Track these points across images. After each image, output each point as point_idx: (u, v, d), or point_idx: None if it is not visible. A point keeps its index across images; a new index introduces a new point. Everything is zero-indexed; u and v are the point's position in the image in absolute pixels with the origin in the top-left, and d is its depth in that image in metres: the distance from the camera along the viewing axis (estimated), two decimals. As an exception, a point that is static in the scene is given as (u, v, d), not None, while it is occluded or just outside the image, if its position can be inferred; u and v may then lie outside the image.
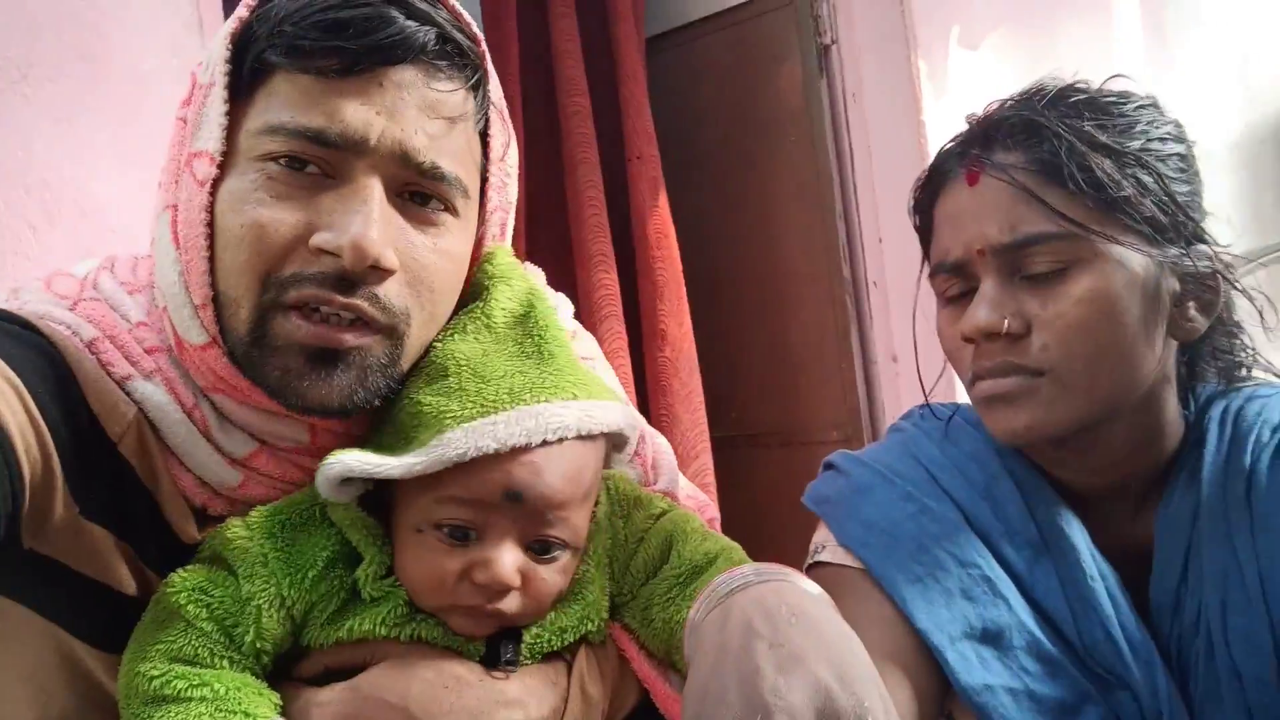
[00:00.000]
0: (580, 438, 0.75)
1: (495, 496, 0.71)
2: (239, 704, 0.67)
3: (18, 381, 0.65)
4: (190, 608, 0.70)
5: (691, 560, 0.79)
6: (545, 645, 0.76)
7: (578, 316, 2.05)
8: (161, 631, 0.70)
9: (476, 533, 0.72)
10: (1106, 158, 0.82)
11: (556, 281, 2.13)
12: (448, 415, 0.72)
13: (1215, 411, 0.89)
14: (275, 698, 0.70)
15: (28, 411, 0.65)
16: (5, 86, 1.17)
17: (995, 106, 0.90)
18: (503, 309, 0.80)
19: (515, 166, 0.86)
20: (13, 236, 1.18)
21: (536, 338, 0.78)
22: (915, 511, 0.90)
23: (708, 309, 2.21)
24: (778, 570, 0.73)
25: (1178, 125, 0.89)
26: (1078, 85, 0.89)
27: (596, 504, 0.82)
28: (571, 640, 0.77)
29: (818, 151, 2.12)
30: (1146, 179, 0.83)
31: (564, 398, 0.74)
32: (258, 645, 0.70)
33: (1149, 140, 0.85)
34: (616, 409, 0.79)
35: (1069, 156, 0.81)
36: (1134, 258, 0.83)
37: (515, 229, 2.13)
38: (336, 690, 0.71)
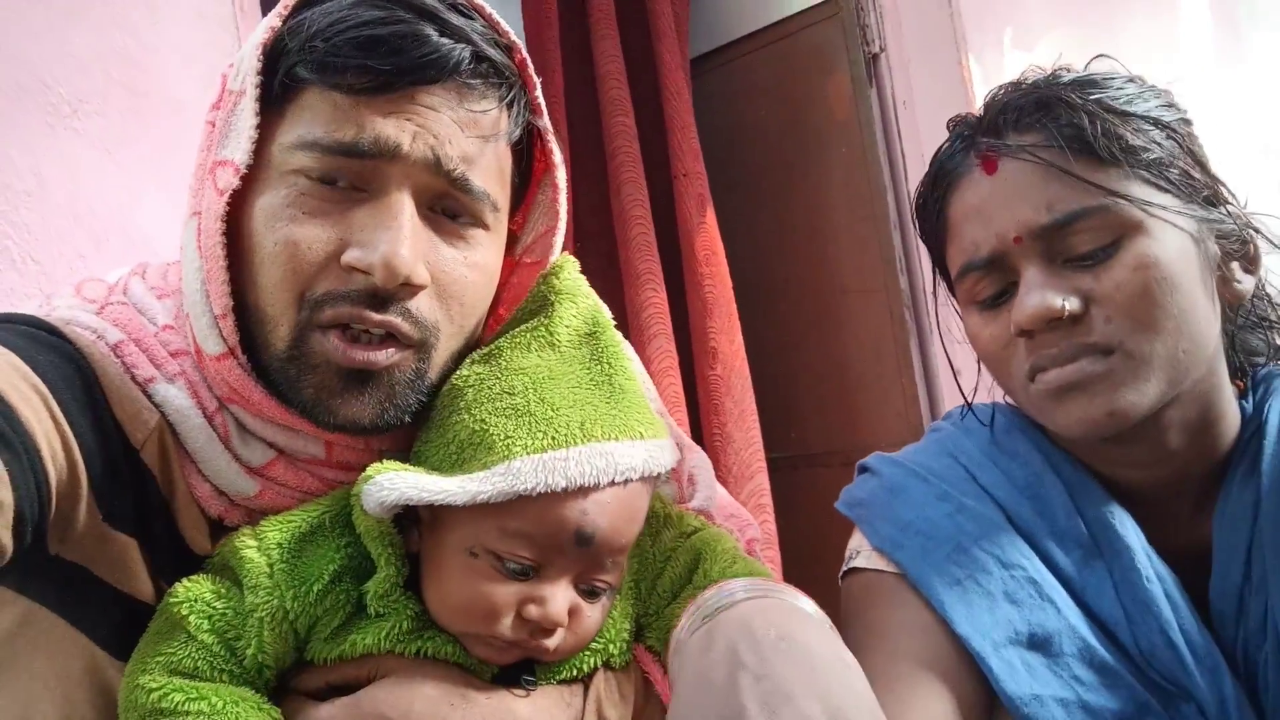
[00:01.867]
0: (642, 479, 0.73)
1: (566, 538, 0.69)
2: (236, 718, 0.66)
3: (44, 388, 0.66)
4: (192, 619, 0.69)
5: (716, 581, 0.75)
6: (563, 673, 0.74)
7: (626, 336, 2.04)
8: (162, 643, 0.69)
9: (536, 569, 0.70)
10: (1127, 123, 0.78)
11: (605, 301, 2.12)
12: (516, 444, 0.69)
13: (1275, 399, 0.82)
14: (275, 713, 0.69)
15: (54, 418, 0.65)
16: (57, 122, 1.22)
17: (988, 98, 0.87)
18: (567, 326, 0.78)
19: (565, 182, 0.86)
20: (64, 264, 1.22)
21: (606, 365, 0.76)
22: (952, 510, 0.85)
23: (762, 327, 2.17)
24: (770, 586, 0.69)
25: (1169, 94, 0.85)
26: (1064, 68, 0.86)
27: None
28: (590, 669, 0.75)
29: (869, 162, 2.07)
30: (1166, 142, 0.79)
31: (632, 437, 0.72)
32: (259, 659, 0.69)
33: (1154, 108, 0.81)
34: (670, 448, 0.77)
35: (1092, 125, 0.77)
36: (1176, 219, 0.78)
37: (563, 249, 2.13)
38: (337, 706, 0.69)
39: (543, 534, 0.69)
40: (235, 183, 0.71)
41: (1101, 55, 0.88)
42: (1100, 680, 0.76)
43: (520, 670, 0.72)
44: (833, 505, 2.23)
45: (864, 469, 0.97)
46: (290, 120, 0.72)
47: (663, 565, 0.80)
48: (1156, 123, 0.79)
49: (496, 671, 0.72)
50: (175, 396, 0.73)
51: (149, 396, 0.73)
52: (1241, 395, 0.85)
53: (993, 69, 1.95)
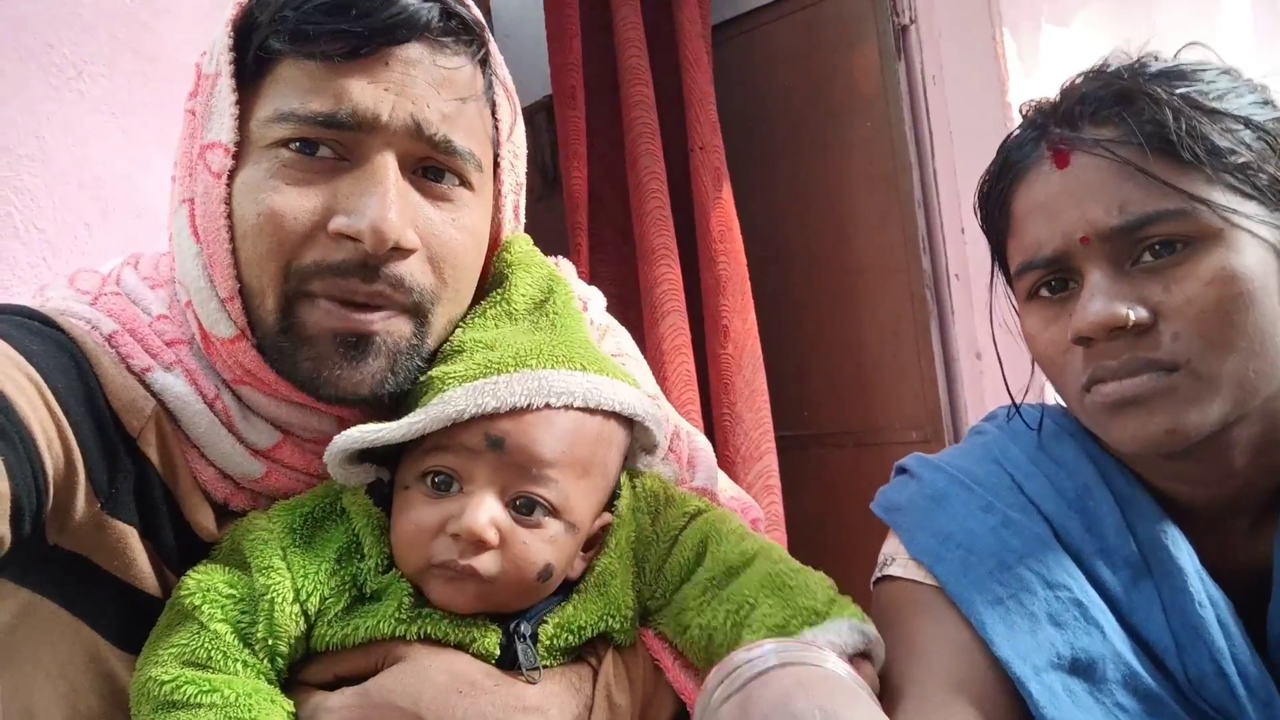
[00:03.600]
0: (585, 410, 0.72)
1: (477, 442, 0.69)
2: (249, 710, 0.65)
3: (39, 378, 0.65)
4: (205, 608, 0.68)
5: (726, 561, 0.76)
6: (564, 643, 0.72)
7: (640, 312, 2.01)
8: (174, 634, 0.69)
9: (459, 483, 0.70)
10: (1215, 123, 0.73)
11: (616, 276, 2.08)
12: (450, 377, 0.72)
13: None
14: (288, 705, 0.68)
15: (49, 407, 0.65)
16: (60, 84, 1.17)
17: (1066, 85, 0.82)
18: (522, 295, 0.79)
19: (523, 146, 0.85)
20: (69, 234, 1.18)
21: (551, 315, 0.78)
22: (997, 524, 0.81)
23: (778, 304, 2.13)
24: (802, 651, 0.65)
25: (1265, 89, 0.79)
26: (1152, 55, 0.80)
27: (617, 496, 0.79)
28: (592, 636, 0.74)
29: (895, 138, 2.02)
30: (1257, 144, 0.74)
31: (571, 368, 0.73)
32: (270, 642, 0.69)
33: (1248, 104, 0.76)
34: (630, 391, 0.76)
35: (1177, 123, 0.72)
36: (1260, 229, 0.73)
37: (576, 222, 2.10)
38: (347, 695, 0.69)
39: (458, 443, 0.70)
40: (229, 162, 0.71)
41: (1194, 43, 0.82)
42: (1144, 708, 0.73)
43: (516, 637, 0.71)
44: (843, 487, 2.22)
45: (902, 470, 0.94)
46: (266, 94, 0.72)
47: (669, 547, 0.79)
48: (1248, 122, 0.74)
49: (500, 654, 0.71)
50: (173, 384, 0.73)
51: (146, 386, 0.72)
52: None
53: (1027, 44, 1.90)
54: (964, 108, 1.92)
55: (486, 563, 0.69)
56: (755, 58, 2.26)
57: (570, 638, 0.73)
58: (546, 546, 0.71)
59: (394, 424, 0.70)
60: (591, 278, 1.98)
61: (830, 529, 2.02)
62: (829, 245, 2.17)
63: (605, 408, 0.74)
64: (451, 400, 0.70)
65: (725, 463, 1.89)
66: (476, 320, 0.78)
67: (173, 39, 1.26)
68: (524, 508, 0.71)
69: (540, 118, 2.40)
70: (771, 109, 2.25)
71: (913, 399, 2.04)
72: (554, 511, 0.72)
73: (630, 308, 1.97)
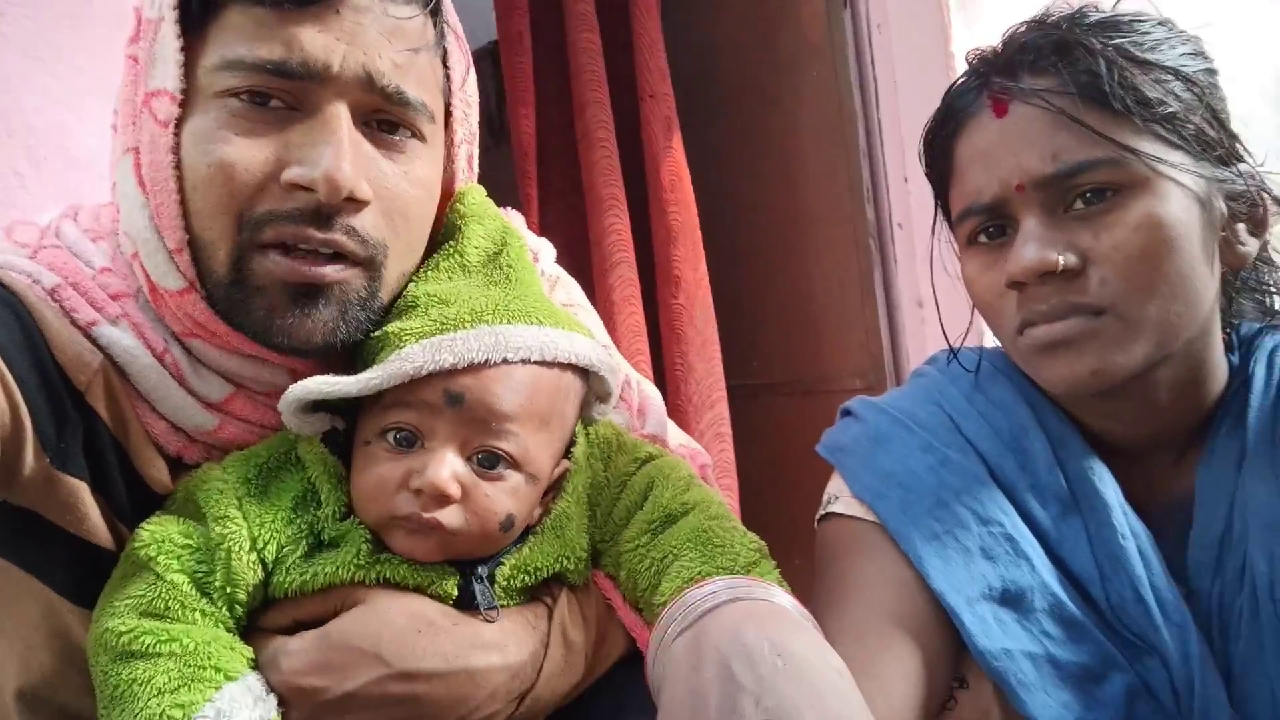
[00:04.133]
0: (542, 363, 0.73)
1: (436, 398, 0.70)
2: (209, 659, 0.66)
3: None
4: (160, 559, 0.68)
5: (666, 508, 0.77)
6: (520, 583, 0.74)
7: (589, 263, 2.00)
8: (130, 586, 0.69)
9: (420, 438, 0.71)
10: (1146, 74, 0.75)
11: (566, 226, 2.06)
12: (407, 333, 0.72)
13: (1261, 353, 0.83)
14: (248, 652, 0.69)
15: None
16: (-17, 25, 1.12)
17: (1007, 35, 0.84)
18: (475, 247, 0.79)
19: (475, 96, 0.85)
20: (0, 184, 1.14)
21: (505, 269, 0.78)
22: (935, 463, 0.85)
23: (726, 254, 2.14)
24: (751, 585, 0.68)
25: (1198, 41, 0.82)
26: (1092, 6, 0.82)
27: (573, 444, 0.80)
28: (547, 576, 0.76)
29: (841, 87, 2.02)
30: (1186, 94, 0.77)
31: (527, 322, 0.74)
32: (228, 590, 0.69)
33: (1179, 56, 0.79)
34: (585, 342, 0.77)
35: (1110, 74, 0.74)
36: (1185, 179, 0.76)
37: (525, 171, 2.06)
38: (306, 638, 0.69)
39: (418, 399, 0.70)
40: (176, 111, 0.70)
41: None
42: (1069, 635, 0.78)
43: (473, 578, 0.73)
44: (790, 434, 2.26)
45: (847, 412, 0.97)
46: (214, 41, 0.70)
47: (619, 491, 0.80)
48: (1177, 73, 0.77)
49: (456, 594, 0.72)
50: (120, 338, 0.72)
51: (92, 340, 0.71)
52: (1228, 349, 0.85)
53: (970, -6, 1.90)
54: (908, 57, 1.92)
55: (450, 516, 0.70)
56: (702, 5, 2.24)
57: (526, 579, 0.74)
58: (508, 498, 0.73)
59: (351, 378, 0.71)
60: (541, 228, 1.97)
61: (778, 475, 2.07)
62: (777, 195, 2.18)
63: (562, 360, 0.75)
64: (409, 357, 0.70)
65: (677, 412, 1.91)
66: (429, 273, 0.78)
67: (102, -22, 1.21)
68: (485, 461, 0.72)
69: (485, 64, 2.35)
70: (720, 57, 2.24)
71: (857, 347, 2.08)
72: (515, 464, 0.73)
73: (580, 258, 1.96)
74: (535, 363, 0.73)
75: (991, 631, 0.78)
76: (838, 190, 2.06)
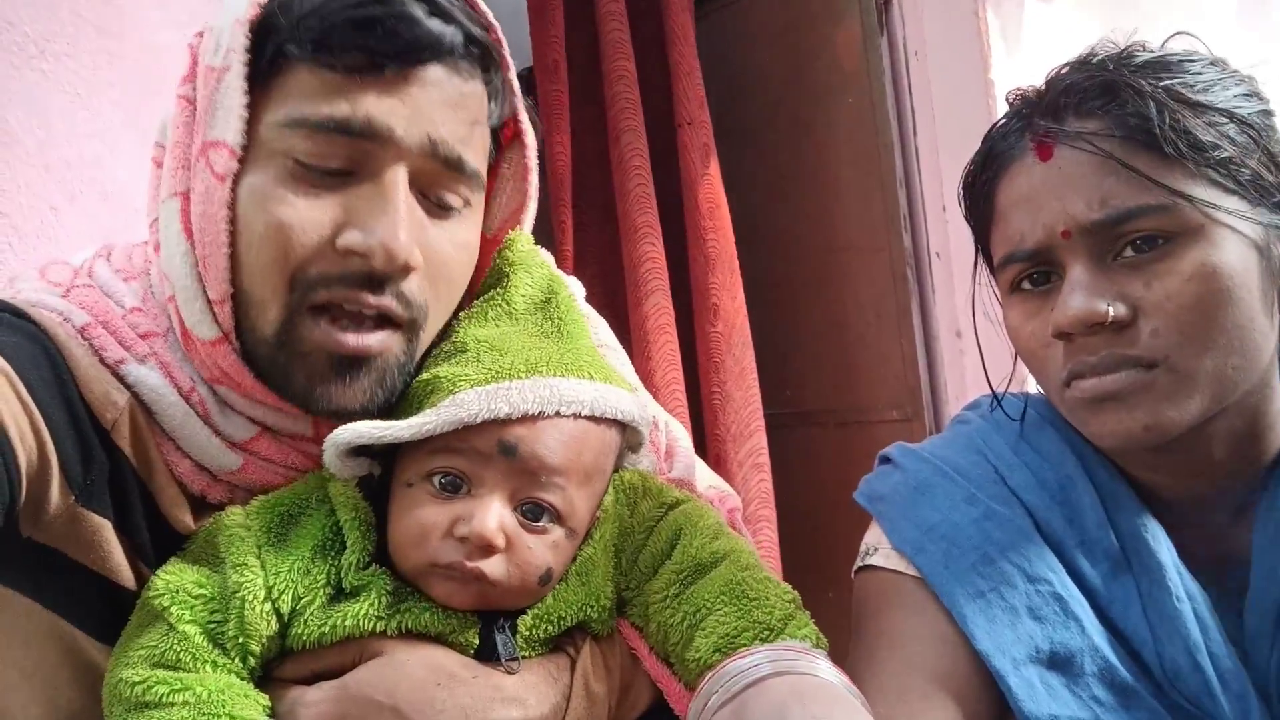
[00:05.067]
0: (591, 419, 0.74)
1: (489, 447, 0.70)
2: (223, 707, 0.65)
3: (10, 369, 0.65)
4: (174, 609, 0.68)
5: (695, 558, 0.75)
6: (543, 633, 0.72)
7: (623, 291, 1.99)
8: (144, 636, 0.68)
9: (467, 485, 0.70)
10: (1199, 116, 0.72)
11: (600, 254, 2.06)
12: (462, 380, 0.71)
13: None
14: (264, 699, 0.68)
15: (20, 399, 0.64)
16: (23, 62, 1.14)
17: (1051, 75, 0.81)
18: (523, 295, 0.79)
19: (535, 161, 0.86)
20: (35, 218, 1.15)
21: (556, 320, 0.78)
22: (980, 516, 0.82)
23: (761, 283, 2.12)
24: (794, 657, 0.66)
25: (1253, 81, 0.79)
26: (1139, 45, 0.79)
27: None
28: (570, 625, 0.74)
29: (878, 115, 2.00)
30: (1241, 138, 0.73)
31: (580, 376, 0.73)
32: (241, 641, 0.68)
33: (1234, 97, 0.75)
34: (629, 398, 0.77)
35: (1160, 117, 0.71)
36: (1241, 225, 0.73)
37: (560, 199, 2.06)
38: (325, 689, 0.68)
39: (469, 446, 0.70)
40: (235, 166, 0.70)
41: (1181, 33, 0.80)
42: (1120, 701, 0.74)
43: (495, 627, 0.71)
44: (826, 465, 2.22)
45: (885, 459, 0.94)
46: (278, 98, 0.71)
47: (645, 538, 0.79)
48: (1231, 116, 0.73)
49: (478, 645, 0.71)
50: (148, 376, 0.72)
51: (120, 378, 0.71)
52: None
53: (1010, 20, 1.87)
54: (946, 85, 1.90)
55: (493, 566, 0.70)
56: (737, 33, 2.23)
57: (549, 628, 0.73)
58: (549, 551, 0.72)
59: (403, 423, 0.70)
60: (576, 256, 1.96)
61: (813, 506, 2.03)
62: (812, 223, 2.15)
63: (609, 416, 0.75)
64: (464, 403, 0.70)
65: (715, 442, 1.89)
66: (476, 318, 0.79)
67: (138, 16, 1.22)
68: (531, 513, 0.72)
69: (519, 91, 2.35)
70: (753, 86, 2.22)
71: (894, 378, 2.04)
72: (558, 517, 0.73)
73: (614, 286, 1.95)
74: (585, 417, 0.73)
75: (1039, 696, 0.74)
76: (874, 219, 2.04)
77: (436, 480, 0.71)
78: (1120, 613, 0.77)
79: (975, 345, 0.90)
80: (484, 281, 0.83)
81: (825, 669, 0.65)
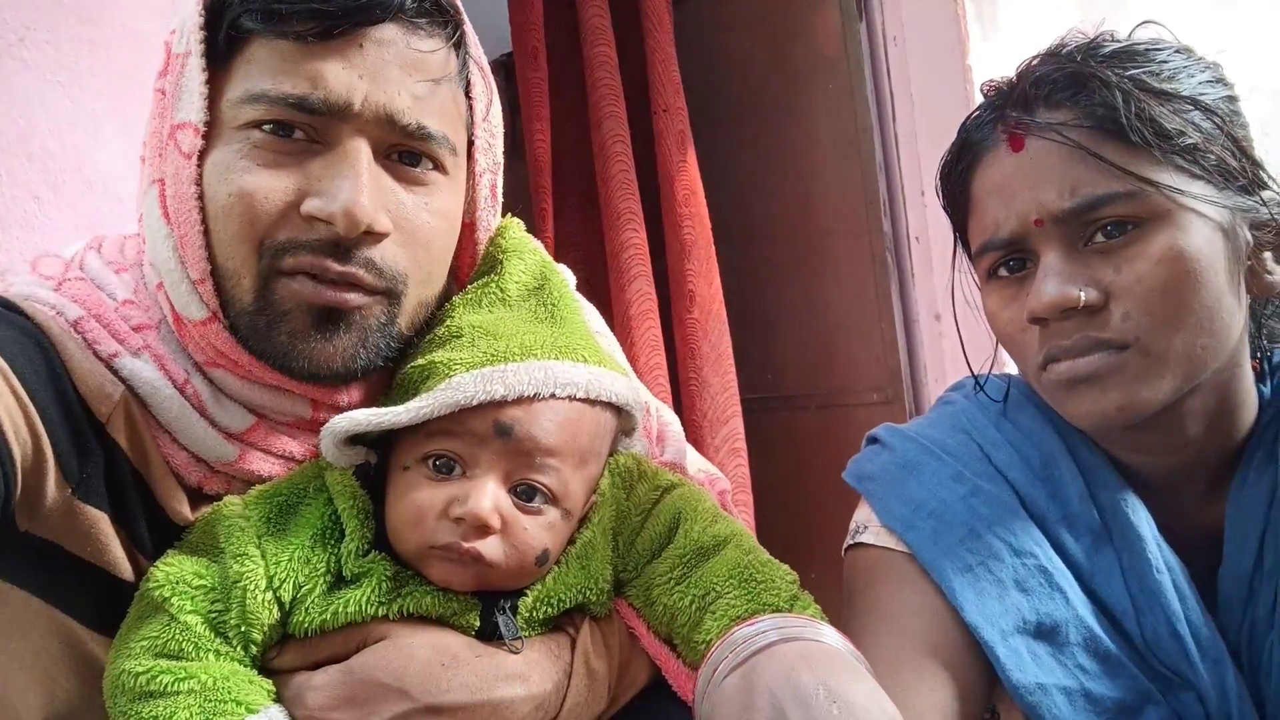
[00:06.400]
0: (586, 401, 0.74)
1: (485, 428, 0.71)
2: (229, 693, 0.66)
3: (3, 364, 0.64)
4: (174, 600, 0.68)
5: (698, 542, 0.77)
6: (543, 614, 0.74)
7: (605, 277, 2.00)
8: (144, 627, 0.68)
9: (462, 467, 0.71)
10: (1164, 105, 0.74)
11: (581, 240, 2.06)
12: (457, 364, 0.72)
13: None
14: (268, 685, 0.69)
15: (14, 394, 0.64)
16: (3, 50, 1.12)
17: (1022, 67, 0.83)
18: (516, 281, 0.80)
19: (500, 126, 0.85)
20: (18, 208, 1.14)
21: (550, 305, 0.79)
22: (967, 493, 0.84)
23: (742, 268, 2.13)
24: (802, 624, 0.67)
25: (1218, 67, 0.81)
26: (1107, 35, 0.81)
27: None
28: (570, 606, 0.75)
29: (856, 100, 2.01)
30: (1206, 124, 0.76)
31: (574, 359, 0.74)
32: (243, 629, 0.68)
33: (1199, 84, 0.77)
34: (623, 382, 0.78)
35: (1126, 107, 0.73)
36: (1207, 209, 0.75)
37: (540, 186, 2.06)
38: (331, 673, 0.69)
39: (465, 429, 0.71)
40: (199, 143, 0.71)
41: (1149, 21, 0.83)
42: (1103, 669, 0.77)
43: (496, 609, 0.72)
44: (807, 448, 2.24)
45: (873, 440, 0.96)
46: (238, 74, 0.71)
47: (642, 520, 0.80)
48: (1196, 103, 0.76)
49: (479, 627, 0.72)
50: (142, 369, 0.72)
51: (114, 371, 0.72)
52: (1259, 378, 0.83)
53: (987, 6, 1.89)
54: (924, 70, 1.91)
55: (490, 547, 0.70)
56: (718, 18, 2.23)
57: (549, 609, 0.74)
58: (545, 532, 0.73)
59: (400, 408, 0.71)
60: (556, 243, 1.96)
61: (795, 489, 2.06)
62: (792, 208, 2.17)
63: (604, 399, 0.76)
64: (460, 386, 0.70)
65: (692, 427, 1.90)
66: (470, 305, 0.79)
67: (119, 4, 1.20)
68: (525, 494, 0.72)
69: (499, 78, 2.34)
70: (734, 71, 2.23)
71: (874, 361, 2.07)
72: (553, 499, 0.73)
73: (596, 273, 1.95)
74: (580, 399, 0.74)
75: (1026, 665, 0.77)
76: (853, 203, 2.05)
77: (431, 463, 0.72)
78: (1102, 584, 0.79)
79: (955, 328, 0.92)
80: (477, 269, 0.84)
81: (831, 635, 0.67)
